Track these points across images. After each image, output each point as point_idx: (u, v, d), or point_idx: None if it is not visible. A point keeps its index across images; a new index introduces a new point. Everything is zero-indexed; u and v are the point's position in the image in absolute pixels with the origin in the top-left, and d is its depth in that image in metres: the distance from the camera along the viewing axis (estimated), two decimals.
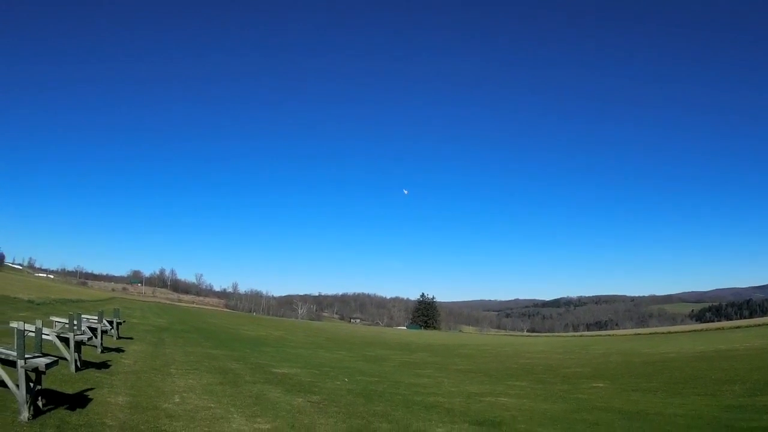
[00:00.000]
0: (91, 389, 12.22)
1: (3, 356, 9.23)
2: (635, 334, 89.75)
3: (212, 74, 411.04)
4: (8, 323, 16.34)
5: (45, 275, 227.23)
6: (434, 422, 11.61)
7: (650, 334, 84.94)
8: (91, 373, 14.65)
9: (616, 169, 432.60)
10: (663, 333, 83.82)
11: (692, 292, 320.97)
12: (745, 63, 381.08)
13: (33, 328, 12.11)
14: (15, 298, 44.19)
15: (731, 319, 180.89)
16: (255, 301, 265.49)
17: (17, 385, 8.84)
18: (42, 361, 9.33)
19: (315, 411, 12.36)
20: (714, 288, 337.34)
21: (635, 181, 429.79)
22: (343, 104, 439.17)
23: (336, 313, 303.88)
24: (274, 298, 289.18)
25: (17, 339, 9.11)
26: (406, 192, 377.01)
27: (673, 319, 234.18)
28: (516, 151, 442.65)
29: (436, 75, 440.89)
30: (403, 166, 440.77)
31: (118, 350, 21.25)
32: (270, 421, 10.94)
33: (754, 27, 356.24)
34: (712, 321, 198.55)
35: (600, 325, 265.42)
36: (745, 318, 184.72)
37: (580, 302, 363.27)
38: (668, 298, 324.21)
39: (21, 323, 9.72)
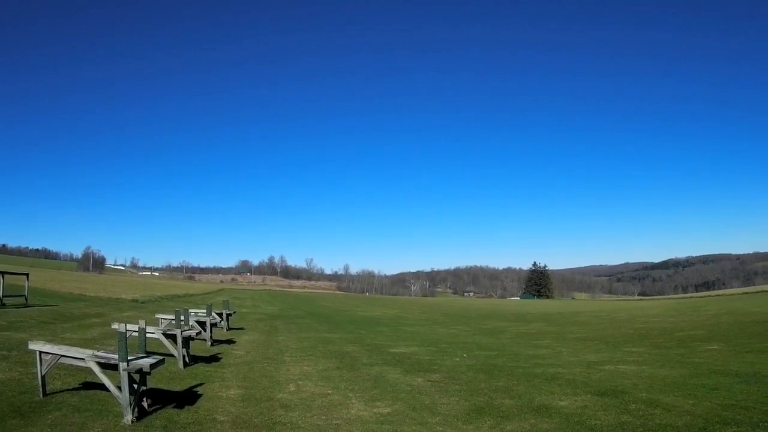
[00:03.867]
0: (201, 384, 12.56)
1: (104, 360, 9.54)
2: (743, 293, 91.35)
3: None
4: (111, 325, 17.25)
5: (149, 273, 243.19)
6: (557, 395, 11.55)
7: (757, 292, 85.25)
8: (201, 368, 15.10)
9: (712, 129, 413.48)
10: None
11: None
12: None
13: (136, 328, 12.55)
14: (118, 299, 45.96)
15: None
16: (367, 281, 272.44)
17: (119, 388, 9.12)
18: (146, 362, 9.54)
19: (435, 390, 12.26)
20: None
21: (733, 139, 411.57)
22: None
23: (449, 288, 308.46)
24: (386, 276, 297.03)
25: (119, 341, 9.36)
26: None
27: None
28: (621, 113, 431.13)
29: None
30: (510, 137, 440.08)
31: (229, 342, 21.96)
32: (390, 404, 10.81)
33: None
34: None
35: (708, 285, 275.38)
36: None
37: (688, 263, 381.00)
38: None
39: (122, 324, 10.00)
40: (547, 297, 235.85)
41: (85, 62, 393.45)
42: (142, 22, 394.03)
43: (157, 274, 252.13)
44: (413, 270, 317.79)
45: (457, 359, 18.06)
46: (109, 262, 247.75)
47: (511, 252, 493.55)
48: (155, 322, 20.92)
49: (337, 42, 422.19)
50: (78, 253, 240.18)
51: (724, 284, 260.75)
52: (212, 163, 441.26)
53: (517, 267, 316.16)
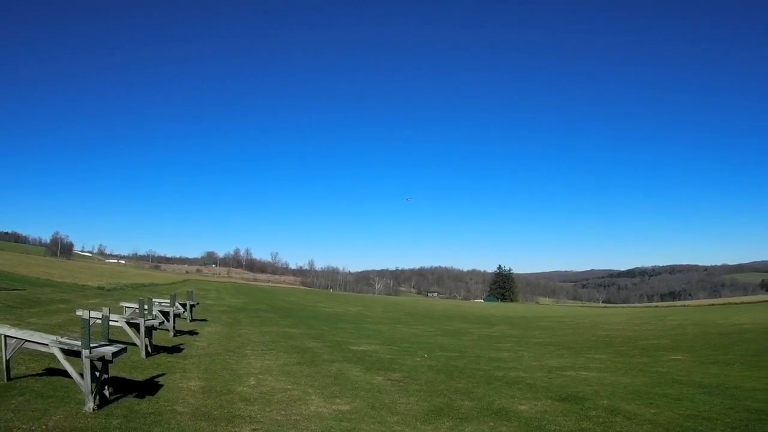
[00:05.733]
0: (162, 375, 12.51)
1: (67, 347, 9.44)
2: (709, 305, 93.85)
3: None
4: (76, 312, 17.02)
5: (116, 261, 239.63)
6: (517, 399, 11.68)
7: (723, 304, 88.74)
8: (163, 358, 15.04)
9: (684, 139, 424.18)
10: (736, 303, 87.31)
11: (764, 261, 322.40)
12: None
13: (100, 316, 12.39)
14: (84, 285, 45.37)
15: None
16: (332, 278, 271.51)
17: (81, 375, 9.03)
18: (108, 350, 9.45)
19: (395, 390, 12.37)
20: None
21: (704, 150, 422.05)
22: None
23: (413, 287, 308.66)
24: (350, 273, 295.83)
25: (82, 328, 9.26)
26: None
27: (744, 289, 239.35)
28: (589, 121, 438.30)
29: None
30: (479, 140, 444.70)
31: (192, 333, 21.83)
32: (349, 402, 10.88)
33: None
34: None
35: (674, 295, 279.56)
36: None
37: (655, 272, 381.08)
38: (740, 268, 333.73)
39: (86, 311, 9.88)
40: (512, 300, 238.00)
41: (55, 50, 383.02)
42: (114, 11, 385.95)
43: (123, 261, 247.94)
44: (378, 268, 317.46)
45: (418, 359, 18.21)
46: (77, 248, 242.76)
47: (477, 254, 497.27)
48: (120, 310, 20.62)
49: (315, 37, 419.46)
50: (47, 237, 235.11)
51: (690, 295, 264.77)
52: (182, 154, 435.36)
53: (482, 269, 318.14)
